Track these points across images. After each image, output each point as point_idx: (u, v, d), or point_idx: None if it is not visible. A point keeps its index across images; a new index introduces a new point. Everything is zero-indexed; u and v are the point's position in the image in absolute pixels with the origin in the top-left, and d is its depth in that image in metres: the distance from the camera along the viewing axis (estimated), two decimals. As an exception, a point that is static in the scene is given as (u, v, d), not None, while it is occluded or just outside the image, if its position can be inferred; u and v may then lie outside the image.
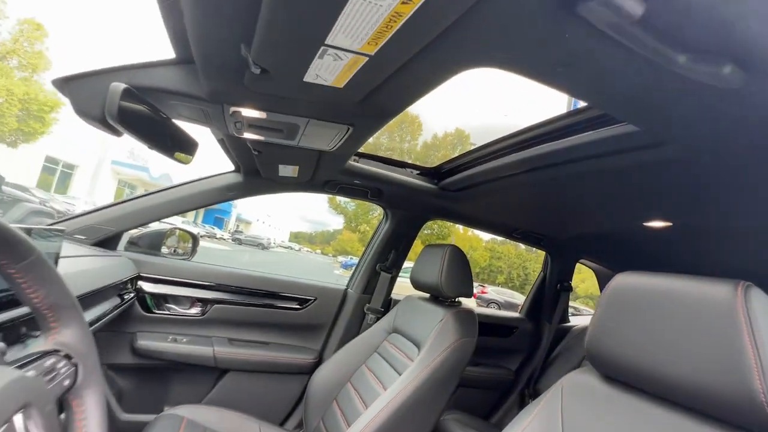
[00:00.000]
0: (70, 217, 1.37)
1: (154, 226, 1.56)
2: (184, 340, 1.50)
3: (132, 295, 1.38)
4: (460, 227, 20.59)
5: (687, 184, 0.98)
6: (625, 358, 0.65)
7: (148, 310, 1.49)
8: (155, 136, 0.90)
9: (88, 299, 0.94)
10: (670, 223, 1.33)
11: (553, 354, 2.31)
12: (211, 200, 1.54)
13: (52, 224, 1.29)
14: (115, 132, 0.84)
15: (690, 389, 0.56)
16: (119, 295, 1.25)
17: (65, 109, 12.54)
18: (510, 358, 2.27)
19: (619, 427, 0.64)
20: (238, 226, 33.88)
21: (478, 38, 0.56)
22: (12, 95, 11.25)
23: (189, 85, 0.84)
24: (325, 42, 0.55)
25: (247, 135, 1.04)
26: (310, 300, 1.75)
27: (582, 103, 0.83)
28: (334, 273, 17.97)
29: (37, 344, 0.51)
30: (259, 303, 1.67)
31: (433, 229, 20.29)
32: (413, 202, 1.76)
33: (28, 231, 0.72)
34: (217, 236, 22.67)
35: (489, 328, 2.12)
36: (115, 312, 1.15)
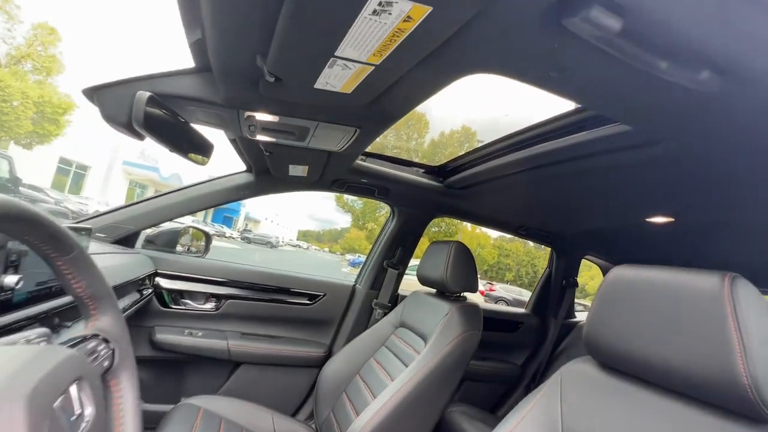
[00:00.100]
0: (91, 216, 1.44)
1: (169, 225, 1.62)
2: (200, 334, 1.56)
3: (150, 290, 1.44)
4: (467, 225, 20.53)
5: (683, 181, 1.00)
6: (620, 347, 0.68)
7: (165, 305, 1.56)
8: (175, 140, 0.96)
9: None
10: (672, 219, 1.35)
11: (559, 349, 2.33)
12: (225, 199, 1.60)
13: (78, 222, 1.36)
14: (139, 136, 0.90)
15: (682, 375, 0.59)
16: (138, 291, 1.31)
17: (78, 111, 12.79)
18: (516, 352, 2.30)
19: (616, 413, 0.67)
20: (247, 224, 34.13)
21: (475, 48, 0.61)
22: (27, 98, 11.47)
23: (207, 92, 0.90)
24: (335, 54, 0.61)
25: (260, 137, 1.10)
26: (320, 296, 1.80)
27: None
28: (342, 271, 18.02)
29: (77, 330, 0.56)
30: (270, 298, 1.72)
31: (440, 227, 20.27)
32: (419, 200, 1.80)
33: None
34: (227, 235, 22.87)
35: (495, 323, 2.15)
36: (135, 306, 1.21)
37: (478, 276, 1.48)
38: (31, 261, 0.67)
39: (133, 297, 1.23)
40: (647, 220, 1.40)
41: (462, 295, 1.45)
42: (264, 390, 1.65)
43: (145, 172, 19.81)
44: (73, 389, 0.41)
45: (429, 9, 0.49)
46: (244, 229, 29.62)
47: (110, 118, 0.86)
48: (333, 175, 1.57)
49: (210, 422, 1.18)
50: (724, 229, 1.31)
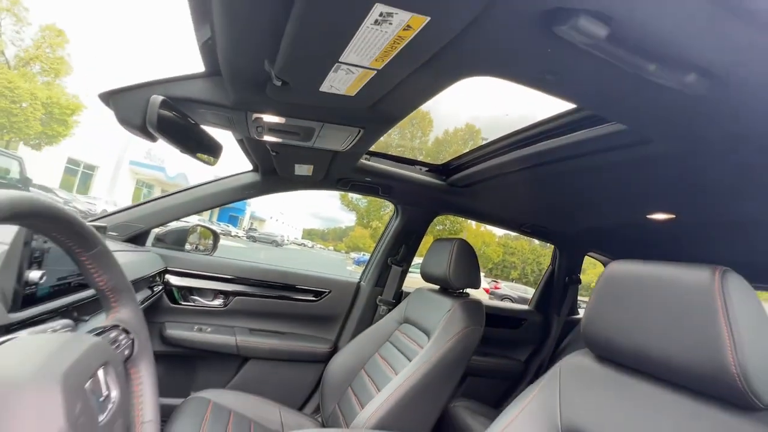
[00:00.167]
0: (104, 215, 1.48)
1: (177, 223, 1.66)
2: (209, 329, 1.60)
3: (161, 287, 1.48)
4: (472, 223, 20.47)
5: (680, 179, 1.02)
6: (617, 340, 0.70)
7: (174, 301, 1.60)
8: (186, 141, 1.00)
9: None
10: (673, 215, 1.36)
11: (562, 345, 2.35)
12: (232, 198, 1.64)
13: (92, 221, 1.40)
14: (152, 138, 0.93)
15: (675, 366, 0.61)
16: (150, 287, 1.35)
17: (86, 111, 12.95)
18: (519, 349, 2.32)
19: (613, 404, 0.69)
20: (252, 223, 34.34)
21: (472, 54, 0.64)
22: (36, 99, 11.63)
23: (216, 95, 0.94)
24: (339, 59, 0.64)
25: (267, 138, 1.13)
26: (325, 292, 1.84)
27: None
28: (347, 269, 18.06)
29: (94, 323, 0.60)
30: (277, 295, 1.76)
31: (445, 225, 20.24)
32: (423, 198, 1.83)
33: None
34: (232, 234, 23.04)
35: (499, 319, 2.17)
36: (146, 303, 1.25)
37: (483, 274, 1.50)
38: (52, 257, 0.71)
39: (144, 293, 1.27)
40: (648, 217, 1.42)
41: (465, 291, 1.48)
42: (271, 384, 1.69)
43: (151, 172, 20.00)
44: (101, 373, 0.44)
45: (427, 18, 0.52)
46: (250, 228, 29.80)
47: (125, 120, 0.90)
48: (337, 173, 1.60)
49: (219, 415, 1.21)
50: (722, 226, 1.32)
